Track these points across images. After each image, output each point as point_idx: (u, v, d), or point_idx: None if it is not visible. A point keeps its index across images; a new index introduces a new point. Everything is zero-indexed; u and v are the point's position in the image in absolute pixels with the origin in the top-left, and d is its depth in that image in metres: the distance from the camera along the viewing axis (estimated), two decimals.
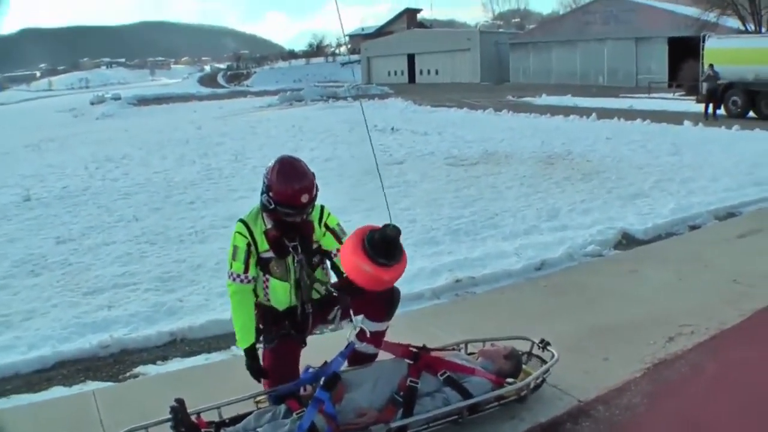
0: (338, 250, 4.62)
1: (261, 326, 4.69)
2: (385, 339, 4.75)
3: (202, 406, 4.36)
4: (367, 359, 4.86)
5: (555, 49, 70.17)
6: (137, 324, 6.98)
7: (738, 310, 6.40)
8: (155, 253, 9.88)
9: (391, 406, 4.33)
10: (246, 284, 4.55)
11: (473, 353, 5.12)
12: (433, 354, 4.68)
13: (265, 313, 4.68)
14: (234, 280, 4.55)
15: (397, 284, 4.56)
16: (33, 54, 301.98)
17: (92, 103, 63.28)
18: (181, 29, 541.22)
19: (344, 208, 11.79)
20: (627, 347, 5.66)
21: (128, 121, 39.65)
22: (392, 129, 25.01)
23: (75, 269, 9.26)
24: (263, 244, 4.53)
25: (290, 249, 4.55)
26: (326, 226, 4.71)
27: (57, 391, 5.64)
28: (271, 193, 4.37)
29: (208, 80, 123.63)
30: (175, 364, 6.11)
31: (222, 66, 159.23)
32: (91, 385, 5.70)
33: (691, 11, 49.24)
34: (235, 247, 4.54)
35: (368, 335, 4.56)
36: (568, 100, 40.78)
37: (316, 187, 4.45)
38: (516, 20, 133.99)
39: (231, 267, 4.55)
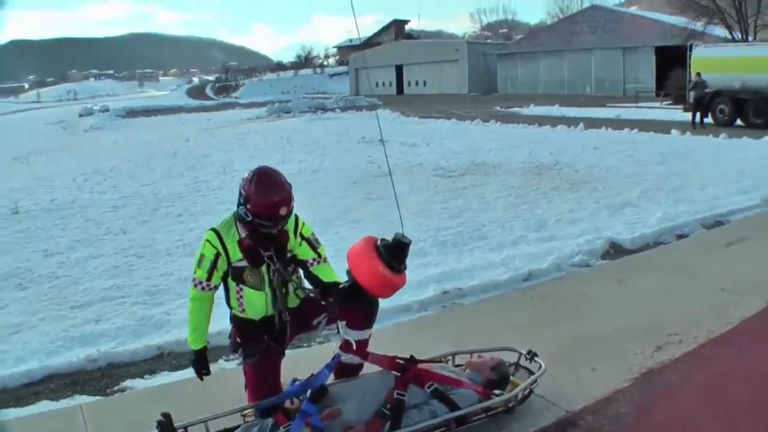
0: (314, 259, 4.71)
1: (239, 340, 4.70)
2: (373, 351, 4.73)
3: (189, 420, 4.36)
4: (352, 370, 4.87)
5: (542, 60, 70.38)
6: (125, 337, 6.95)
7: (725, 318, 6.42)
8: (143, 266, 9.84)
9: (379, 419, 4.32)
10: (207, 291, 4.60)
11: (460, 365, 5.11)
12: (421, 366, 4.67)
13: (242, 326, 4.69)
14: (196, 286, 4.59)
15: None
16: (21, 66, 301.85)
17: (81, 115, 62.94)
18: (170, 41, 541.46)
19: (331, 219, 11.83)
20: (615, 357, 5.67)
21: (117, 134, 39.49)
22: (380, 141, 25.02)
23: (62, 282, 9.21)
24: (236, 254, 4.53)
25: (266, 258, 4.54)
26: (302, 236, 4.72)
27: (44, 405, 5.61)
28: (248, 205, 4.38)
29: (197, 92, 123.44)
30: (163, 378, 6.09)
31: (210, 78, 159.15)
32: (79, 399, 5.67)
33: (678, 20, 49.62)
34: (202, 255, 4.56)
35: (354, 347, 4.56)
36: (555, 110, 40.91)
37: (293, 198, 4.47)
38: (504, 31, 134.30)
39: (195, 273, 4.59)
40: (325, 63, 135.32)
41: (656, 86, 55.22)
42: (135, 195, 16.19)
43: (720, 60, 29.32)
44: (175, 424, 4.17)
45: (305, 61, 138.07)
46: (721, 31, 47.99)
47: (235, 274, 4.57)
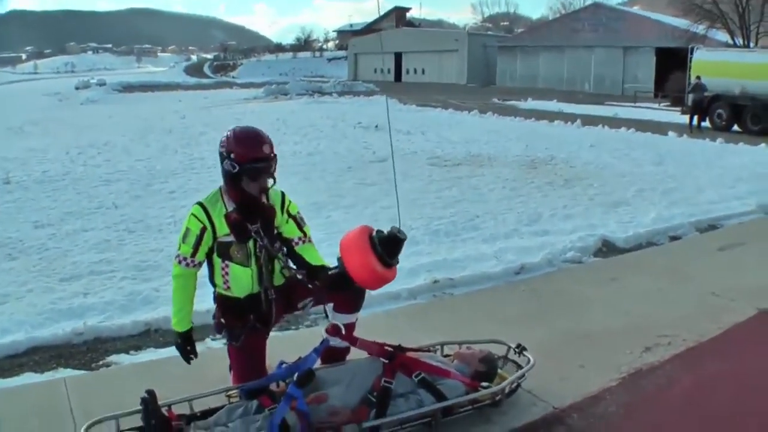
0: (299, 238, 4.67)
1: (223, 321, 4.60)
2: (361, 337, 4.70)
3: (174, 399, 4.33)
4: (339, 354, 4.85)
5: (543, 54, 70.33)
6: (112, 312, 6.91)
7: (716, 322, 6.41)
8: (133, 242, 9.79)
9: (365, 406, 4.29)
10: (191, 268, 4.47)
11: (449, 355, 5.08)
12: (409, 354, 4.63)
13: (227, 306, 4.58)
14: (180, 262, 4.46)
15: None
16: (19, 36, 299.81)
17: (77, 88, 62.93)
18: (169, 18, 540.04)
19: (324, 203, 11.80)
20: (604, 355, 5.66)
21: (113, 108, 39.39)
22: (376, 127, 24.91)
23: (52, 254, 9.16)
24: (222, 228, 4.43)
25: (252, 233, 4.47)
26: (288, 213, 4.65)
27: (28, 377, 5.56)
28: (232, 155, 4.32)
29: (194, 70, 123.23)
30: (149, 355, 6.05)
31: (209, 56, 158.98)
32: (63, 373, 5.63)
33: (680, 23, 49.57)
34: (187, 230, 4.46)
35: (343, 331, 4.54)
36: (553, 105, 40.85)
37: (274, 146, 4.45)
38: (505, 23, 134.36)
39: (179, 249, 4.46)
40: (325, 47, 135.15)
41: (655, 87, 55.32)
42: (129, 170, 16.12)
43: (721, 64, 29.30)
44: (159, 402, 4.12)
45: (304, 44, 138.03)
46: (722, 36, 48.06)
47: (221, 250, 4.47)
